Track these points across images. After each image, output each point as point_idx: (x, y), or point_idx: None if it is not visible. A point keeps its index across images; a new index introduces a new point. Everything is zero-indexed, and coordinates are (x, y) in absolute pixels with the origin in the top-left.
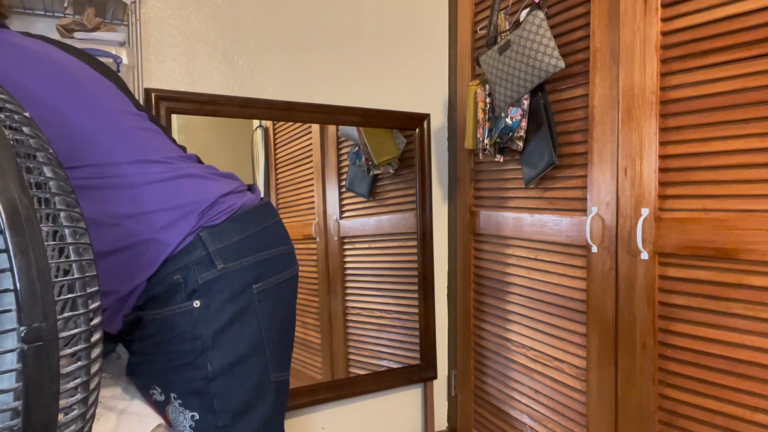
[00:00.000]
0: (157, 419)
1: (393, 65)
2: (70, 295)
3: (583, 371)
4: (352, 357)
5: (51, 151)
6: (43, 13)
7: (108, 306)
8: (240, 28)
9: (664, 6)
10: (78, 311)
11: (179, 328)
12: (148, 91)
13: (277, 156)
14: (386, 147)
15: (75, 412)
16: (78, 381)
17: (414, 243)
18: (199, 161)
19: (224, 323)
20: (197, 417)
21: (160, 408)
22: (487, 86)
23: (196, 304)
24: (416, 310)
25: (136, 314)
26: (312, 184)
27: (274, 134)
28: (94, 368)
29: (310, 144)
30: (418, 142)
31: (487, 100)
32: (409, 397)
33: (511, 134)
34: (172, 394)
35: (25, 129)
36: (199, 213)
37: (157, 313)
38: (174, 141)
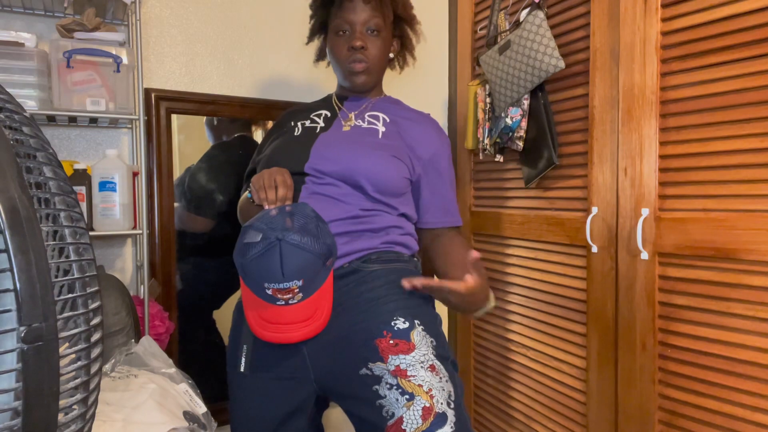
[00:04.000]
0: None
1: None
2: (70, 295)
3: (583, 371)
4: None
5: (51, 151)
6: (43, 13)
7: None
8: (240, 28)
9: (664, 6)
10: (78, 311)
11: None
12: (148, 91)
13: None
14: None
15: (75, 412)
16: (78, 381)
17: None
18: None
19: None
20: (434, 343)
21: (403, 335)
22: (487, 86)
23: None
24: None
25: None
26: None
27: None
28: (94, 368)
29: None
30: None
31: (487, 100)
32: None
33: (511, 134)
34: (416, 321)
35: (25, 129)
36: None
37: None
38: None
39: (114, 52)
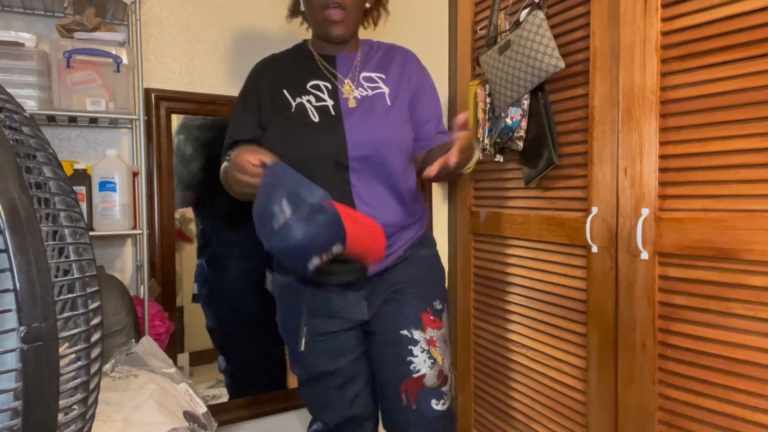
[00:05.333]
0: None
1: None
2: (70, 295)
3: (583, 371)
4: None
5: (51, 151)
6: (43, 13)
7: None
8: (240, 28)
9: (664, 6)
10: (78, 311)
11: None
12: (148, 91)
13: None
14: None
15: (75, 412)
16: (78, 381)
17: None
18: None
19: None
20: (448, 323)
21: (438, 314)
22: (487, 86)
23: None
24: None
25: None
26: None
27: None
28: (94, 368)
29: None
30: None
31: (487, 100)
32: None
33: (511, 134)
34: (445, 304)
35: (25, 129)
36: None
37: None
38: None
39: (114, 52)
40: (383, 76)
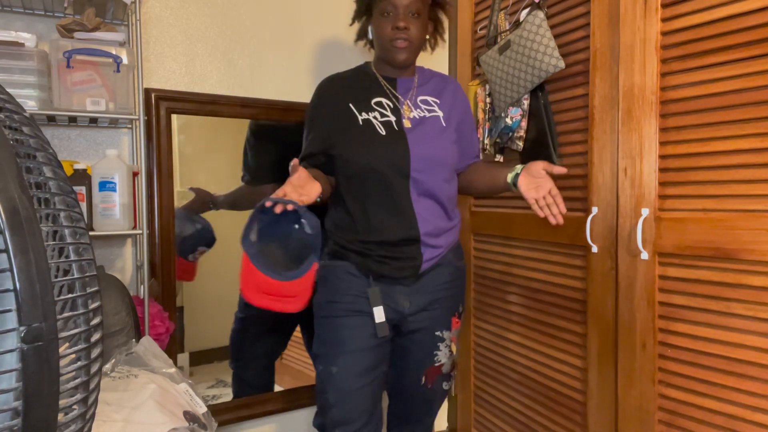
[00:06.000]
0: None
1: None
2: (70, 295)
3: (583, 371)
4: None
5: (51, 151)
6: (43, 13)
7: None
8: (240, 28)
9: (664, 6)
10: (78, 311)
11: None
12: (148, 91)
13: None
14: None
15: (75, 412)
16: (78, 381)
17: None
18: None
19: None
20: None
21: (460, 317)
22: (487, 86)
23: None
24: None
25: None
26: None
27: None
28: (94, 368)
29: None
30: None
31: (487, 100)
32: None
33: (511, 134)
34: (463, 307)
35: (25, 129)
36: None
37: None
38: None
39: (114, 52)
40: (438, 101)
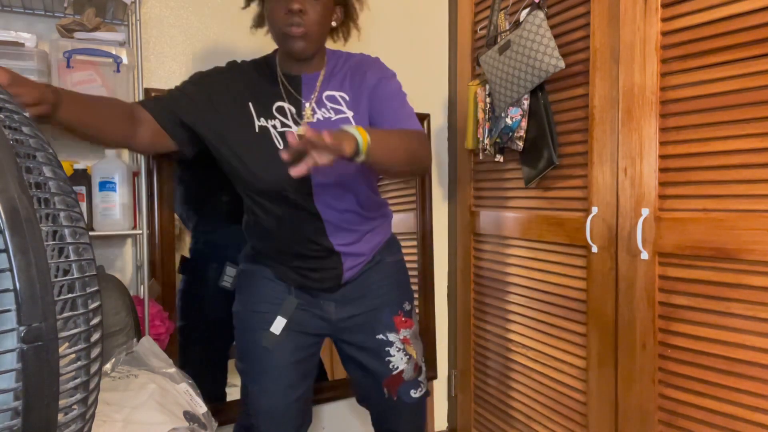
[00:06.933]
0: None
1: (393, 65)
2: (70, 295)
3: (583, 371)
4: None
5: (51, 151)
6: (43, 13)
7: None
8: (240, 28)
9: (664, 6)
10: (78, 311)
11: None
12: (148, 91)
13: None
14: None
15: (75, 412)
16: (78, 381)
17: (414, 243)
18: None
19: None
20: (417, 318)
21: (408, 315)
22: (487, 86)
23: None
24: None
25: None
26: None
27: None
28: (94, 368)
29: None
30: None
31: (487, 100)
32: None
33: (511, 134)
34: (413, 303)
35: (24, 129)
36: None
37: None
38: None
39: (114, 52)
40: (347, 97)
